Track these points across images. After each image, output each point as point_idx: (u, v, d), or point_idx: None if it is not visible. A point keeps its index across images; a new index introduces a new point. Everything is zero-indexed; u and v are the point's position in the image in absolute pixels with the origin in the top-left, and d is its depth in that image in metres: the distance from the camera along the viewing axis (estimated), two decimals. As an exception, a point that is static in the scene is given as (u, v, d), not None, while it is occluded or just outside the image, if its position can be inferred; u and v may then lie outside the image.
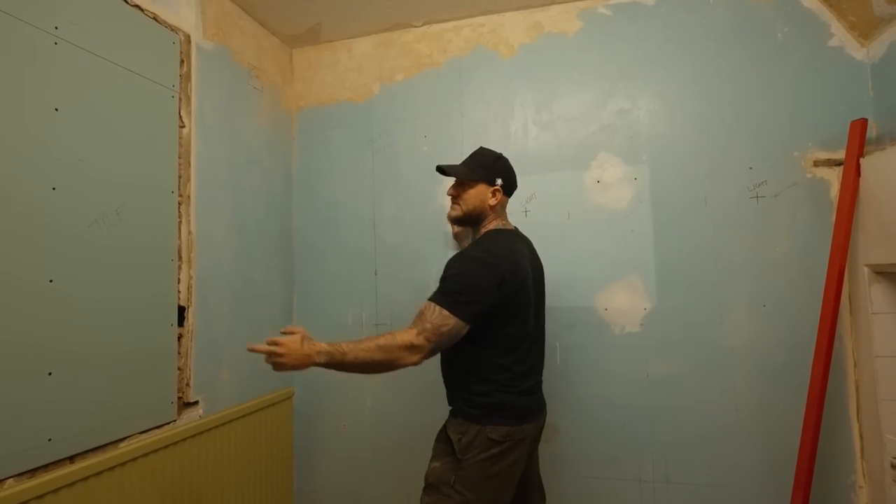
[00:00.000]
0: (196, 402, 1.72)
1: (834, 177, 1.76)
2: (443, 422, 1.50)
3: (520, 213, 2.04)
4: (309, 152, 2.37)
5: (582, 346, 1.95)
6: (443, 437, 1.46)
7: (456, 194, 1.56)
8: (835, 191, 1.75)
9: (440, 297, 1.33)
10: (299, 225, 2.36)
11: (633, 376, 1.89)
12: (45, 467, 1.25)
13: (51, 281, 1.28)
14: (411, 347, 1.28)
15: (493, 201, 1.52)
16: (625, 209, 1.95)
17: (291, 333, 1.29)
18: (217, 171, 1.89)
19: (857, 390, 1.69)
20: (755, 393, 1.79)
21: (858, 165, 1.66)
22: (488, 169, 1.53)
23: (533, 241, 2.05)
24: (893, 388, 1.56)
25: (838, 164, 1.74)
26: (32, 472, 1.22)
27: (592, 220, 1.97)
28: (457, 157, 2.15)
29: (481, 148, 1.61)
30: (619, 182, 1.96)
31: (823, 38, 1.80)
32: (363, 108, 2.30)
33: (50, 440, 1.26)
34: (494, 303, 1.35)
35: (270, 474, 2.09)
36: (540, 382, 1.54)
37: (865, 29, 1.74)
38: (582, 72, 2.04)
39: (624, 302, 1.92)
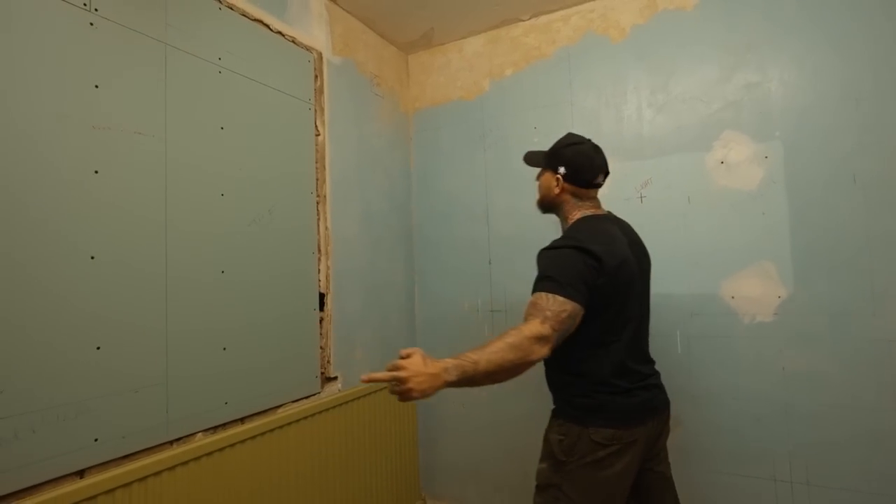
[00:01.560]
0: (335, 378, 1.95)
1: None
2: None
3: (635, 199, 1.99)
4: (425, 151, 2.52)
5: (706, 336, 1.86)
6: (546, 437, 1.38)
7: (537, 179, 1.55)
8: None
9: (547, 285, 1.23)
10: (418, 219, 2.53)
11: (767, 369, 1.76)
12: (224, 426, 1.51)
13: (222, 272, 1.54)
14: (540, 338, 1.16)
15: (556, 190, 1.44)
16: (754, 190, 1.81)
17: (408, 357, 1.10)
18: (347, 172, 2.10)
19: None
20: (921, 392, 1.57)
21: None
22: (553, 155, 1.46)
23: (650, 228, 1.99)
24: None
25: None
26: (214, 428, 1.48)
27: (716, 204, 1.86)
28: (567, 147, 2.16)
29: (568, 133, 1.53)
30: (747, 161, 1.83)
31: None
32: (474, 105, 2.39)
33: (226, 403, 1.52)
34: (593, 287, 1.25)
35: (398, 447, 2.28)
36: (650, 377, 1.40)
37: None
38: (702, 46, 1.92)
39: (754, 290, 1.79)
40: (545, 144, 2.17)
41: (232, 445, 1.50)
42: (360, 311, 2.12)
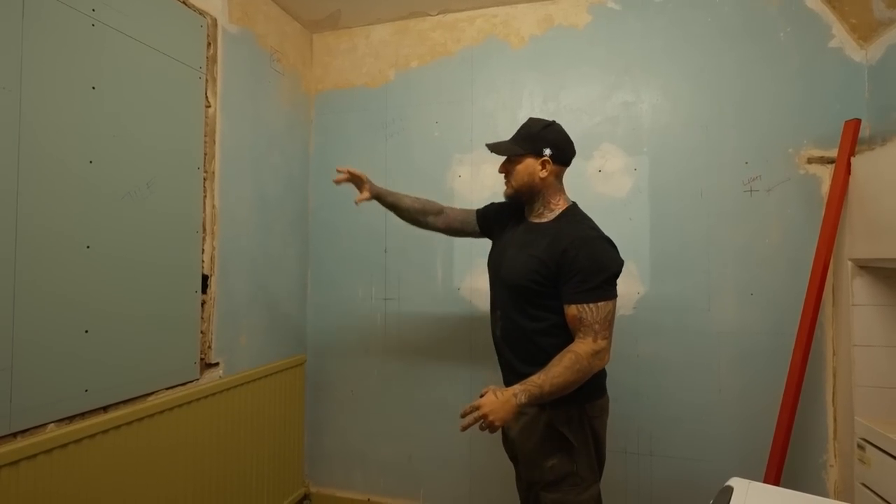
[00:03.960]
0: (217, 364, 1.86)
1: (826, 174, 1.84)
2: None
3: (524, 198, 2.14)
4: (326, 134, 2.47)
5: (577, 327, 2.06)
6: (550, 434, 1.37)
7: (505, 171, 1.50)
8: (825, 187, 1.83)
9: (589, 295, 1.29)
10: (315, 203, 2.48)
11: (625, 356, 1.99)
12: (82, 415, 1.38)
13: (88, 247, 1.40)
14: (596, 353, 1.27)
15: (543, 174, 1.43)
16: (624, 198, 2.04)
17: (483, 395, 1.26)
18: (240, 149, 2.00)
19: (834, 376, 1.79)
20: (738, 375, 1.90)
21: (849, 164, 1.73)
22: (533, 139, 1.44)
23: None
24: (868, 374, 1.66)
25: (831, 161, 1.82)
26: (71, 418, 1.35)
27: (593, 208, 2.00)
28: (466, 144, 2.25)
29: (530, 119, 1.51)
30: (620, 172, 2.05)
31: (824, 39, 1.86)
32: (378, 93, 2.39)
33: (86, 391, 1.39)
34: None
35: (283, 434, 2.24)
36: None
37: (865, 31, 1.80)
38: (589, 64, 2.11)
39: (620, 286, 1.97)
40: (445, 139, 2.28)
41: (92, 436, 1.39)
42: (248, 295, 2.04)
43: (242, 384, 1.96)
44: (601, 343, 1.28)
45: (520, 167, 1.46)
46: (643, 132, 2.03)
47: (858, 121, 1.75)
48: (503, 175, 1.52)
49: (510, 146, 1.47)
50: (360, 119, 2.42)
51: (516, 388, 1.23)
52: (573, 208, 1.47)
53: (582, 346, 1.27)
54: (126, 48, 1.51)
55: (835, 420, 1.79)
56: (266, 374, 2.11)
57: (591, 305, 1.28)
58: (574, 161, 2.04)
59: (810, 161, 1.86)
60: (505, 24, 2.22)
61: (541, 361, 1.31)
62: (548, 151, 1.42)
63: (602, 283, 1.30)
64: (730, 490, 1.06)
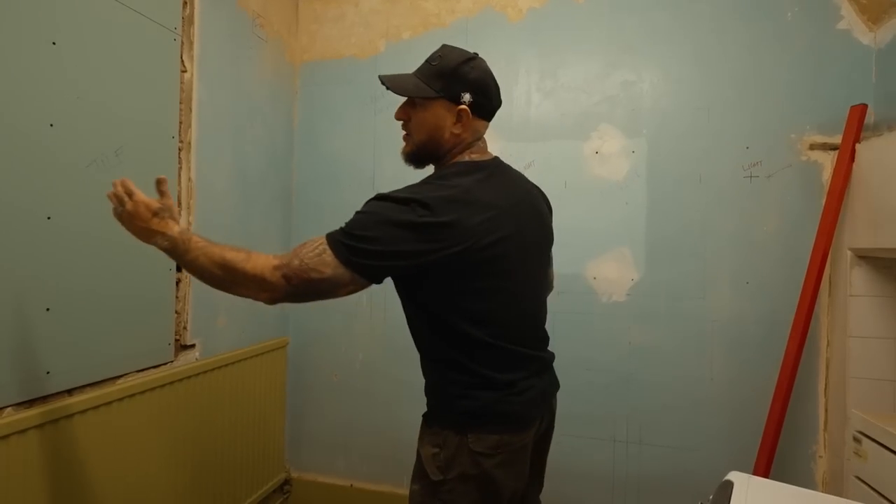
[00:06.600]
0: (193, 345, 1.77)
1: (827, 161, 1.79)
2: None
3: (518, 179, 2.06)
4: (311, 107, 2.35)
5: (569, 312, 2.01)
6: (417, 451, 1.09)
7: (406, 118, 1.08)
8: (827, 174, 1.78)
9: (337, 234, 0.96)
10: (299, 179, 2.37)
11: (616, 343, 1.96)
12: (44, 399, 1.29)
13: (49, 218, 1.29)
14: (262, 281, 0.94)
15: (456, 129, 1.03)
16: (621, 181, 1.97)
17: (166, 196, 1.02)
18: (219, 119, 1.88)
19: (827, 367, 1.77)
20: (730, 365, 1.86)
21: (854, 150, 1.68)
22: (449, 78, 1.02)
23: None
24: (863, 366, 1.63)
25: (833, 148, 1.77)
26: (31, 402, 1.26)
27: (588, 191, 2.00)
28: (458, 120, 2.16)
29: (444, 46, 1.07)
30: (618, 154, 1.98)
31: (832, 21, 1.80)
32: (367, 64, 2.28)
33: (48, 373, 1.30)
34: (424, 266, 0.96)
35: (263, 419, 2.16)
36: (544, 363, 1.15)
37: (876, 13, 1.74)
38: (589, 41, 2.02)
39: (613, 272, 1.97)
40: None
41: (54, 421, 1.29)
42: (227, 274, 1.94)
43: (221, 367, 1.87)
44: (277, 278, 0.93)
45: (426, 114, 1.04)
46: (643, 113, 1.96)
47: (865, 106, 1.70)
48: (402, 125, 1.11)
49: (416, 83, 1.04)
50: (347, 92, 2.30)
51: (174, 231, 0.98)
52: (455, 165, 1.06)
53: (262, 260, 0.96)
54: (92, 2, 1.38)
55: (826, 411, 1.77)
56: (246, 356, 2.02)
57: (323, 244, 0.96)
58: (571, 142, 2.01)
59: (812, 147, 1.80)
60: (502, -5, 2.12)
61: (423, 369, 1.13)
62: (467, 97, 1.01)
63: (355, 235, 0.94)
64: (730, 485, 1.01)
